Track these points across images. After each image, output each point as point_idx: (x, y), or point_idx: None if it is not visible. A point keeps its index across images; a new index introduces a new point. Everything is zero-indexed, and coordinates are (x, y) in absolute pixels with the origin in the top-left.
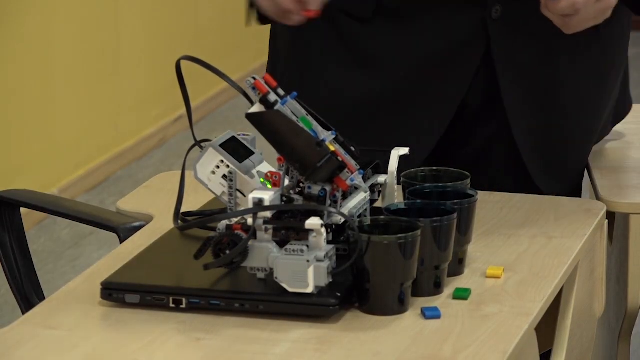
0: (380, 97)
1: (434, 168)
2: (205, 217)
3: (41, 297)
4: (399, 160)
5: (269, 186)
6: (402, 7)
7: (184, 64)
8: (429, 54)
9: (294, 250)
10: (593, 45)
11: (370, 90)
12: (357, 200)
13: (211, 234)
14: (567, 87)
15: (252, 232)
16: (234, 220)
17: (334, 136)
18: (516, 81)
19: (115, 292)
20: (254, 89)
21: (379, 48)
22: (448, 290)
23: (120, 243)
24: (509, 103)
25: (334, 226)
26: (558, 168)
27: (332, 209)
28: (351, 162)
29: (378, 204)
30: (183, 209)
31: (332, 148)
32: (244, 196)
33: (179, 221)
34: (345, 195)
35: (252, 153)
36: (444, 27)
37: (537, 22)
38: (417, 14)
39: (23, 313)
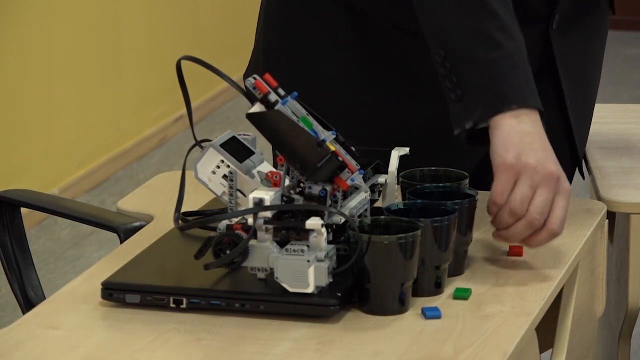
0: (434, 113)
1: (433, 168)
2: (206, 217)
3: (41, 297)
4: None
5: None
6: None
7: (185, 64)
8: None
9: (294, 250)
10: (606, 30)
11: (422, 106)
12: (358, 200)
13: (211, 234)
14: (595, 78)
15: (252, 232)
16: (235, 220)
17: (334, 136)
18: (572, 81)
19: (116, 292)
20: (254, 88)
21: (432, 64)
22: (448, 290)
23: (121, 243)
24: (570, 105)
25: (334, 226)
26: (584, 146)
27: (333, 209)
28: (351, 162)
29: (378, 204)
30: (183, 209)
31: (332, 148)
32: (244, 196)
33: (180, 221)
34: (346, 195)
35: (253, 153)
36: None
37: (583, 26)
38: None
39: (23, 313)
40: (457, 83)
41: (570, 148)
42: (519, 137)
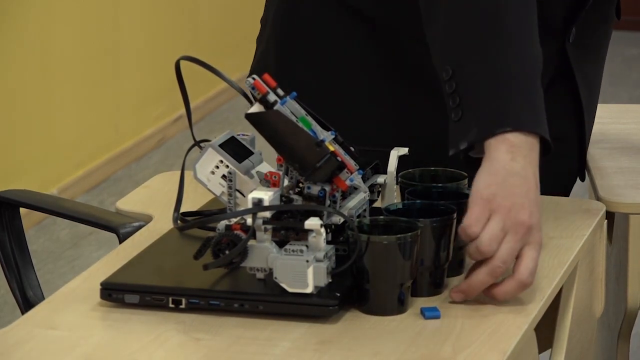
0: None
1: (432, 168)
2: (205, 217)
3: (40, 298)
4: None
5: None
6: None
7: (184, 64)
8: None
9: (293, 251)
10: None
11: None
12: (357, 201)
13: (210, 234)
14: (600, 80)
15: (251, 232)
16: (234, 220)
17: (333, 136)
18: (587, 88)
19: (115, 292)
20: (253, 89)
21: None
22: (448, 291)
23: (120, 243)
24: (586, 114)
25: (333, 226)
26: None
27: (332, 209)
28: (350, 162)
29: (377, 204)
30: (182, 209)
31: (331, 148)
32: (244, 196)
33: (179, 221)
34: (345, 196)
35: (252, 153)
36: None
37: (596, 36)
38: None
39: (22, 313)
40: (460, 103)
41: (579, 152)
42: (504, 176)
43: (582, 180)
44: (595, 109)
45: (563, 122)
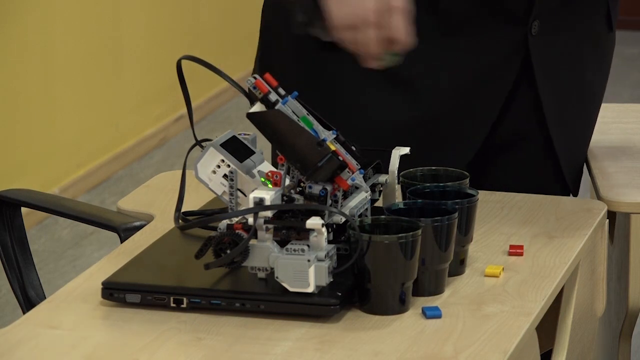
0: (417, 120)
1: (433, 168)
2: (206, 216)
3: (42, 297)
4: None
5: (270, 186)
6: (438, 28)
7: (185, 64)
8: (465, 74)
9: (294, 250)
10: (607, 48)
11: (407, 114)
12: (358, 200)
13: (212, 234)
14: (589, 87)
15: (252, 231)
16: (235, 219)
17: (334, 135)
18: (556, 94)
19: (116, 291)
20: (255, 88)
21: (414, 70)
22: (449, 290)
23: (121, 243)
24: (549, 114)
25: (334, 226)
26: (579, 161)
27: (333, 209)
28: (352, 162)
29: (379, 204)
30: (184, 209)
31: (332, 147)
32: (245, 196)
33: (180, 221)
34: (346, 195)
35: (253, 152)
36: (482, 47)
37: (567, 33)
38: (454, 35)
39: (24, 313)
40: None
41: (554, 168)
42: None
43: (575, 194)
44: (585, 121)
45: (522, 117)
